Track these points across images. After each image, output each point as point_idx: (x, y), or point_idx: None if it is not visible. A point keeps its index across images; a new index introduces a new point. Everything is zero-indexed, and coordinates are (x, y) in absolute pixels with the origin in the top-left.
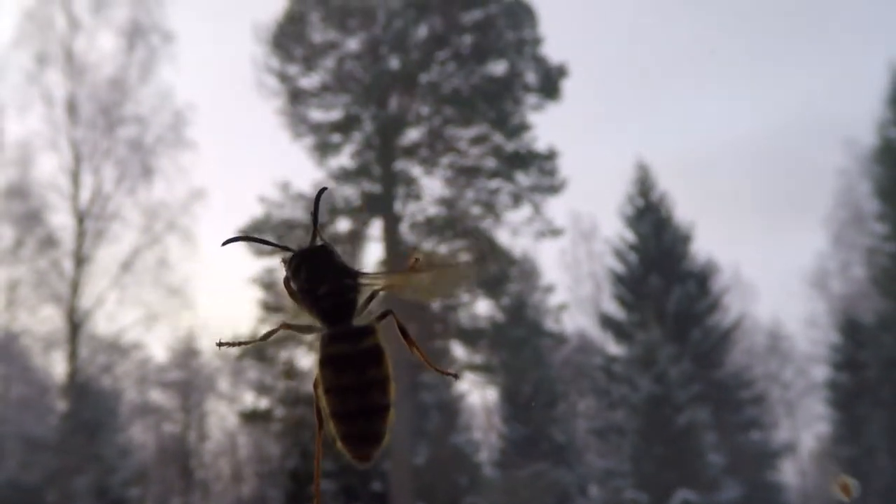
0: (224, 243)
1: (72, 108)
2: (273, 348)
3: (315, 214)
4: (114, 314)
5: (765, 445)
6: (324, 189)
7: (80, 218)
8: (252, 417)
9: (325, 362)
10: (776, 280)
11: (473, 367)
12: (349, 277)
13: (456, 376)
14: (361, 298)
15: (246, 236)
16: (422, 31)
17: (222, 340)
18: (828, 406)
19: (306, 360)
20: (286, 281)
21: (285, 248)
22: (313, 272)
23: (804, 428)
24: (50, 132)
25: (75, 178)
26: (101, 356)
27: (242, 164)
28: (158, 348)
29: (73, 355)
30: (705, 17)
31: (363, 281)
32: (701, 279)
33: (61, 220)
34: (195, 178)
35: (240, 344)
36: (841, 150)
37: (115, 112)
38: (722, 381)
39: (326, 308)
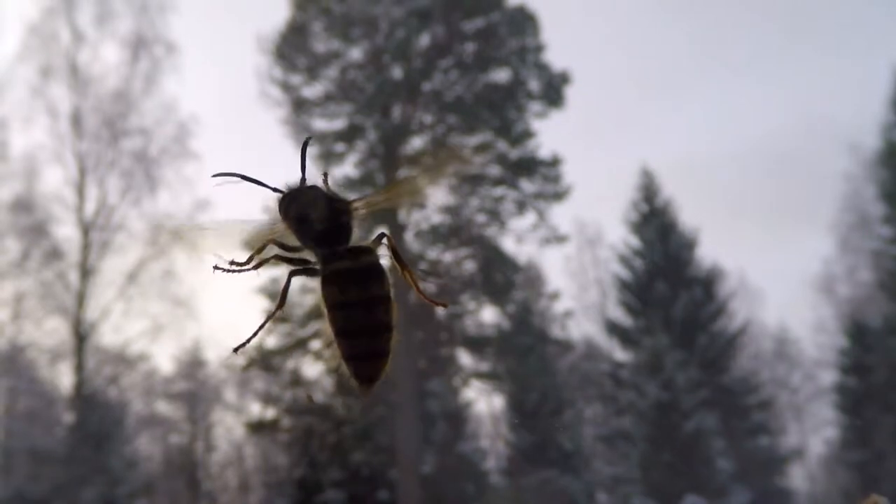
0: (213, 175)
1: (76, 120)
2: (279, 358)
3: (303, 161)
4: (120, 325)
5: (773, 451)
6: (309, 138)
7: (86, 230)
8: (259, 428)
9: (329, 279)
10: (782, 285)
11: (480, 375)
12: (339, 202)
13: (445, 305)
14: (355, 223)
15: (236, 174)
16: (424, 40)
17: (218, 265)
18: (836, 410)
19: (312, 369)
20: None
21: (276, 190)
22: (304, 202)
23: (812, 433)
24: (55, 145)
25: (80, 190)
26: (107, 368)
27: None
28: (164, 359)
29: (79, 367)
30: (708, 22)
31: (355, 205)
32: (707, 284)
33: (67, 233)
34: (200, 188)
35: (237, 270)
36: (846, 154)
37: (120, 124)
38: (729, 387)
39: (321, 233)
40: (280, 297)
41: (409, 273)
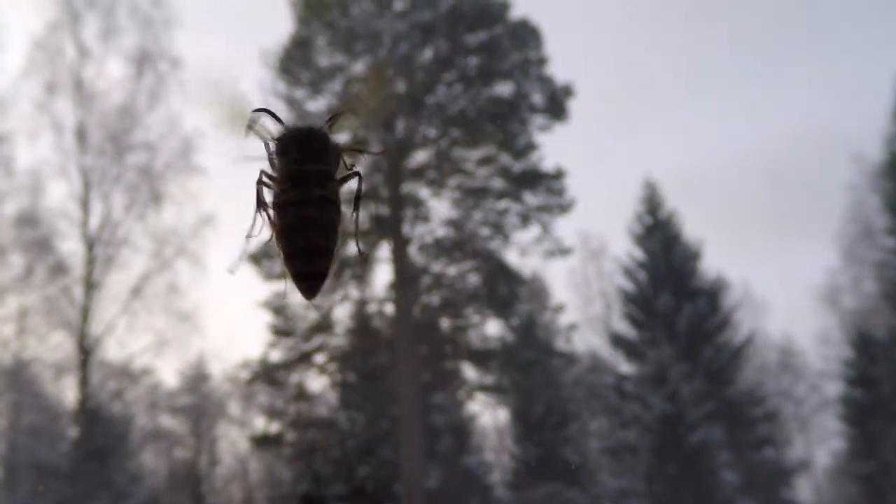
0: (255, 110)
1: (81, 135)
2: (283, 372)
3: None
4: (124, 340)
5: (779, 463)
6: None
7: (90, 244)
8: (263, 442)
9: (281, 180)
10: (786, 296)
11: (484, 389)
12: (323, 133)
13: (365, 258)
14: (335, 157)
15: (271, 112)
16: (427, 54)
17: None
18: (842, 422)
19: (317, 383)
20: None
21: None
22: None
23: (818, 444)
24: (59, 160)
25: (85, 204)
26: (111, 382)
27: (251, 188)
28: (169, 373)
29: (83, 382)
30: (710, 33)
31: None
32: (711, 296)
33: (71, 247)
34: (204, 203)
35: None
36: (849, 165)
37: (124, 139)
38: (734, 399)
39: (299, 157)
40: (256, 202)
41: (357, 215)
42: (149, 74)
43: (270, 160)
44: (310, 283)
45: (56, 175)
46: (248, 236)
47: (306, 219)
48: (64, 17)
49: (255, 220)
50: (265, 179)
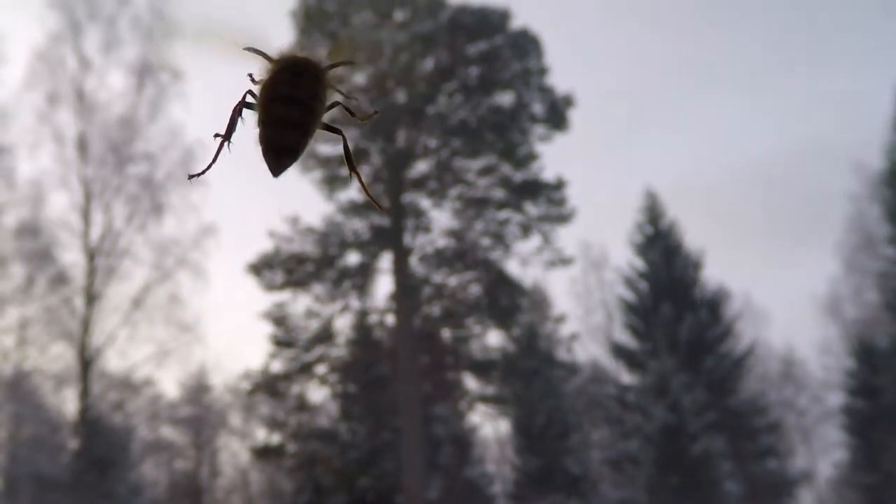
0: (246, 48)
1: (82, 146)
2: (284, 383)
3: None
4: (125, 351)
5: (781, 474)
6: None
7: (91, 255)
8: (264, 453)
9: (266, 83)
10: (788, 306)
11: (485, 399)
12: (314, 61)
13: (387, 210)
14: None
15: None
16: (428, 64)
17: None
18: (844, 432)
19: (318, 394)
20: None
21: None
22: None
23: (821, 455)
24: (61, 171)
25: (86, 215)
26: (112, 393)
27: (252, 198)
28: (170, 384)
29: (84, 393)
30: (711, 43)
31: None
32: (712, 306)
33: (72, 258)
34: (205, 214)
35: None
36: (850, 174)
37: (126, 150)
38: (736, 409)
39: (285, 71)
40: (228, 125)
41: (356, 173)
42: (150, 86)
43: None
44: (279, 156)
45: (57, 186)
46: (220, 138)
47: (289, 96)
48: (66, 28)
49: (230, 125)
50: (249, 98)
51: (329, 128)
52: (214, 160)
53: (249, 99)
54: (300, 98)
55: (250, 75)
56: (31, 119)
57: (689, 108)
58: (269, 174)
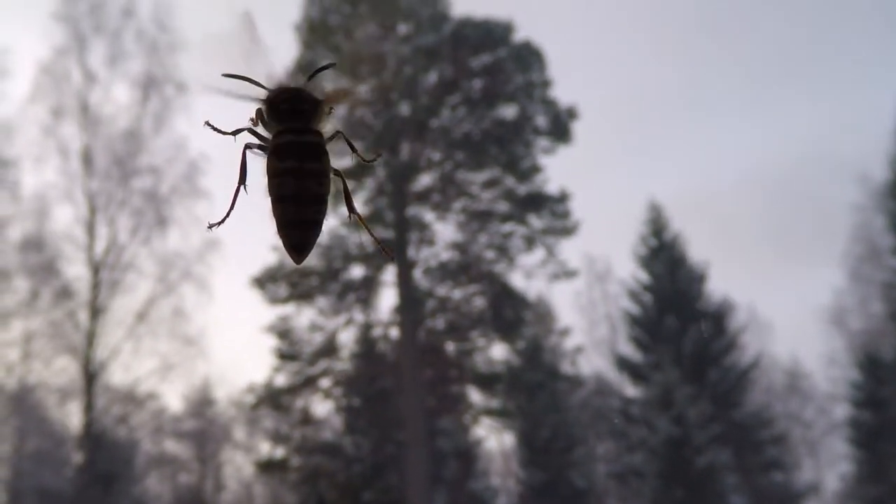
0: (224, 75)
1: (87, 159)
2: (288, 397)
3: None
4: (129, 364)
5: (787, 486)
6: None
7: (96, 269)
8: (268, 467)
9: (273, 150)
10: (792, 318)
11: (490, 413)
12: (309, 93)
13: (392, 254)
14: (324, 115)
15: (246, 77)
16: (431, 77)
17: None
18: (850, 445)
19: (322, 407)
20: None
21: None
22: (278, 88)
23: (827, 468)
24: (65, 184)
25: (90, 229)
26: (116, 407)
27: (256, 211)
28: (174, 398)
29: (88, 406)
30: (715, 54)
31: (327, 99)
32: (717, 318)
33: (76, 272)
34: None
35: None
36: (854, 185)
37: (130, 163)
38: (742, 422)
39: (284, 113)
40: (240, 172)
41: (358, 216)
42: (154, 99)
43: (257, 121)
44: (302, 251)
45: (62, 199)
46: (233, 204)
47: (302, 190)
48: (71, 42)
49: (238, 185)
50: (254, 146)
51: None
52: (233, 207)
53: (252, 147)
54: (311, 190)
55: (251, 120)
56: (36, 132)
57: (693, 119)
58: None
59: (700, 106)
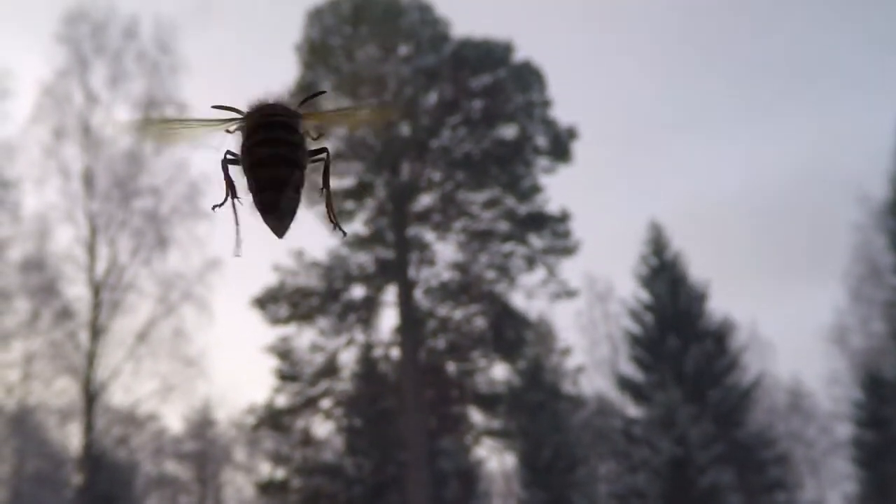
0: (213, 106)
1: (88, 180)
2: (289, 417)
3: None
4: (129, 385)
5: None
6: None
7: (96, 289)
8: (269, 488)
9: (246, 138)
10: (794, 337)
11: (491, 433)
12: (289, 108)
13: (344, 233)
14: (303, 130)
15: (234, 108)
16: (432, 98)
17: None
18: (853, 464)
19: (323, 428)
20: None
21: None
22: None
23: (830, 487)
24: (66, 205)
25: (91, 249)
26: (116, 428)
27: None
28: (174, 419)
29: (88, 428)
30: (714, 73)
31: (306, 117)
32: (718, 338)
33: (77, 292)
34: (210, 247)
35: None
36: (854, 204)
37: (131, 184)
38: (744, 442)
39: (265, 126)
40: (226, 185)
41: (327, 191)
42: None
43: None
44: (278, 217)
45: (63, 220)
46: (220, 205)
47: (273, 155)
48: (73, 63)
49: (226, 196)
50: (230, 156)
51: (314, 152)
52: (237, 222)
53: (231, 157)
54: (280, 154)
55: (227, 131)
56: (38, 153)
57: (692, 138)
58: (274, 236)
59: (699, 124)
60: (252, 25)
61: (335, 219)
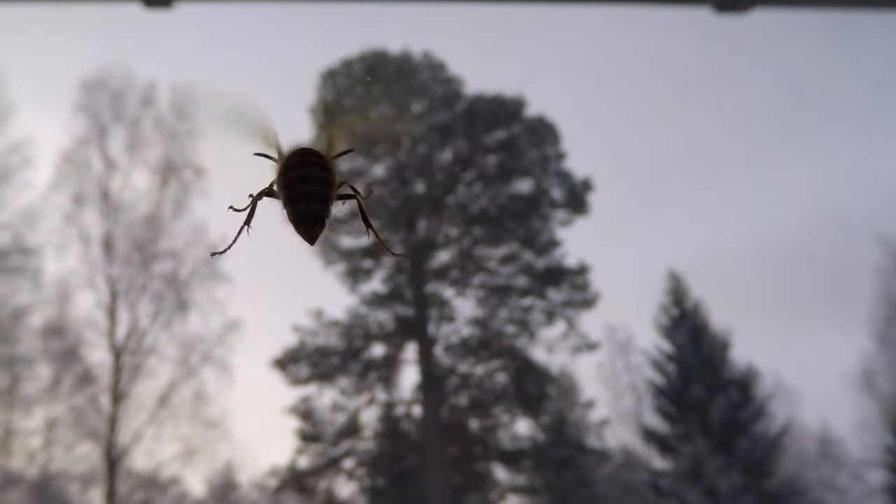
0: (255, 153)
1: (108, 245)
2: (312, 479)
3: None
4: (151, 449)
5: None
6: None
7: (117, 354)
8: None
9: (289, 163)
10: (820, 383)
11: (516, 490)
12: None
13: (404, 255)
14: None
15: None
16: (447, 154)
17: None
18: None
19: (346, 488)
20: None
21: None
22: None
23: None
24: (87, 270)
25: (112, 314)
26: (139, 492)
27: (275, 292)
28: (196, 482)
29: (110, 493)
30: (728, 118)
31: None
32: (743, 386)
33: (98, 357)
34: (230, 309)
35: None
36: (874, 247)
37: (150, 248)
38: (774, 491)
39: (298, 164)
40: (247, 216)
41: (371, 227)
42: (173, 184)
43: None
44: (311, 226)
45: (83, 285)
46: (245, 226)
47: (308, 174)
48: (92, 131)
49: (250, 211)
50: (266, 190)
51: (344, 195)
52: (235, 241)
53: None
54: (315, 174)
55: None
56: (58, 220)
57: (708, 184)
58: (306, 245)
59: (713, 170)
60: (267, 88)
61: (386, 245)
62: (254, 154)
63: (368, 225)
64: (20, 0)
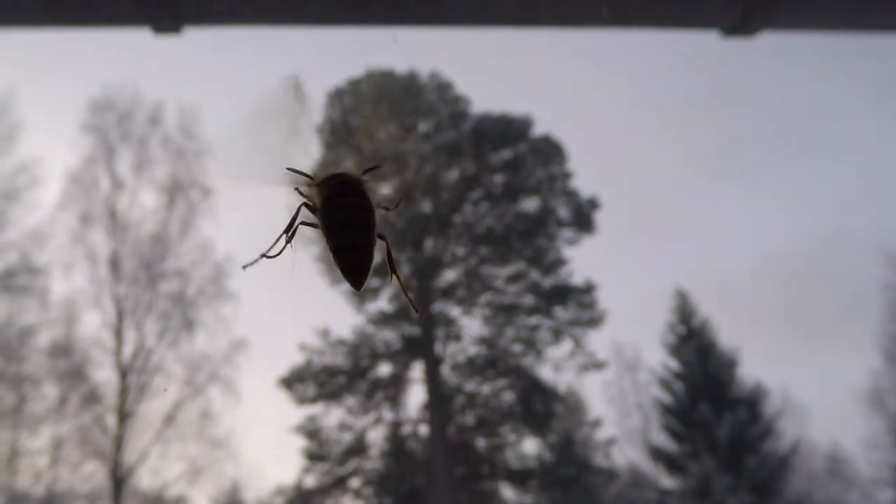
0: (288, 168)
1: (115, 265)
2: (318, 498)
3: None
4: (157, 468)
5: None
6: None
7: (124, 373)
8: None
9: (324, 201)
10: (829, 401)
11: None
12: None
13: (421, 314)
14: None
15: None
16: (453, 174)
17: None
18: None
19: None
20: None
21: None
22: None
23: None
24: (93, 289)
25: (118, 333)
26: None
27: (282, 311)
28: (202, 502)
29: None
30: (736, 131)
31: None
32: (751, 404)
33: (105, 376)
34: (236, 328)
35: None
36: (882, 262)
37: (157, 267)
38: None
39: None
40: (290, 222)
41: (397, 276)
42: (180, 203)
43: (308, 201)
44: (358, 275)
45: (90, 305)
46: (269, 254)
47: (352, 219)
48: (99, 151)
49: (280, 238)
50: (305, 211)
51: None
52: (268, 252)
53: (304, 211)
54: (359, 220)
55: (297, 189)
56: (65, 239)
57: (715, 202)
58: (352, 288)
59: (719, 187)
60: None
61: (412, 301)
62: (286, 169)
63: (394, 271)
64: (30, 25)
